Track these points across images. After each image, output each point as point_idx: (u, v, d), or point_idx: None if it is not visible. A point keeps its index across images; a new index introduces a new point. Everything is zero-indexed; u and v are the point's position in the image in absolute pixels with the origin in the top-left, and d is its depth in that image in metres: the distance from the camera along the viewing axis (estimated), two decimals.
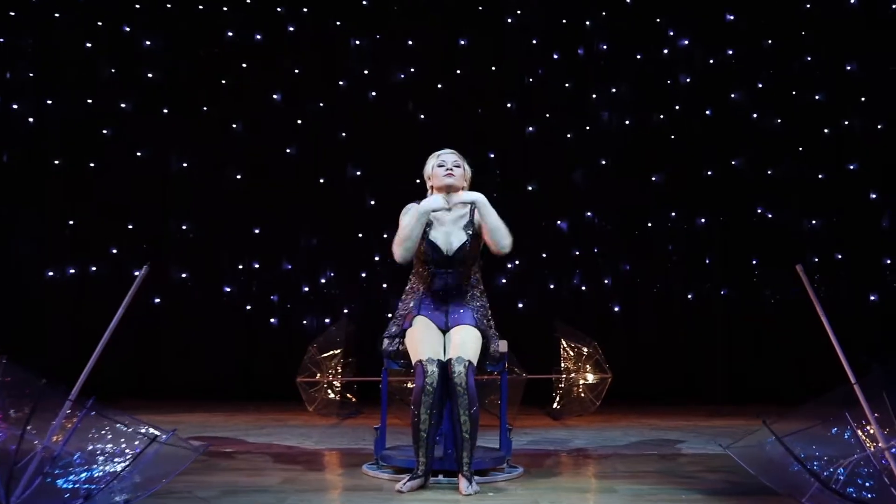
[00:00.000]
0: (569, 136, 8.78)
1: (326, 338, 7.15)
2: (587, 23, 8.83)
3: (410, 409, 3.99)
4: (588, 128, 8.81)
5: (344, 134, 8.67)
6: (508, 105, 8.78)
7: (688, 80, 8.81)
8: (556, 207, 8.72)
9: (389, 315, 7.75)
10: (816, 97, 8.72)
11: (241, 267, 8.62)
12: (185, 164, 8.60)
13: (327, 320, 8.36)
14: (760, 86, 8.78)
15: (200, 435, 5.81)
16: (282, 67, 8.70)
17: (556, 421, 6.94)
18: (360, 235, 8.63)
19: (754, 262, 8.73)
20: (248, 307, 8.62)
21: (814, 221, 8.68)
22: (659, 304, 8.75)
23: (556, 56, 8.85)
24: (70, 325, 8.20)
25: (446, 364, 4.01)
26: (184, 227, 8.59)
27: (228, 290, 8.61)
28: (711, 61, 8.81)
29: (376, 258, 8.58)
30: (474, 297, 4.43)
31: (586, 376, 7.06)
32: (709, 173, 8.73)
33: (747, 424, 6.50)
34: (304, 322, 8.56)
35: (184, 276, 8.55)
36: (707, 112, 8.78)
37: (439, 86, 8.75)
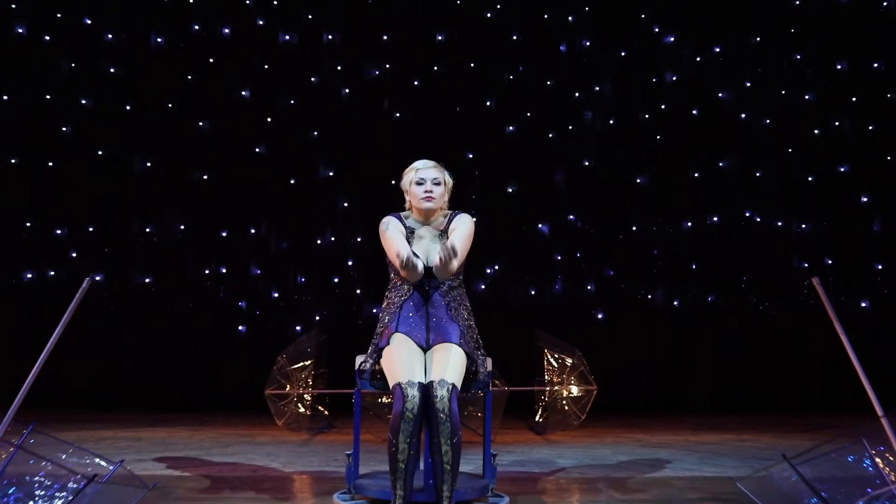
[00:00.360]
0: (550, 135, 8.48)
1: (296, 348, 6.78)
2: (570, 18, 8.53)
3: (387, 436, 3.60)
4: (570, 127, 8.53)
5: (316, 133, 8.36)
6: (488, 103, 8.47)
7: (674, 78, 8.56)
8: (536, 210, 8.43)
9: (361, 322, 8.14)
10: (806, 97, 8.54)
11: (207, 272, 8.31)
12: (148, 164, 8.27)
13: (298, 327, 8.11)
14: (748, 85, 8.56)
15: (161, 455, 5.43)
16: (251, 63, 8.36)
17: (540, 436, 6.60)
18: (333, 239, 8.33)
19: (742, 268, 8.52)
20: (215, 314, 8.31)
21: (803, 225, 8.51)
22: (643, 311, 8.51)
23: (537, 53, 8.55)
24: (25, 334, 7.86)
25: (427, 387, 3.62)
26: (147, 230, 8.26)
27: (194, 295, 8.30)
28: (698, 59, 8.56)
29: (349, 262, 8.31)
30: (459, 314, 4.04)
31: (571, 389, 6.71)
32: (695, 175, 8.51)
33: (737, 440, 6.28)
34: (274, 330, 8.25)
35: (147, 280, 8.24)
36: (693, 112, 8.55)
37: (416, 83, 8.44)
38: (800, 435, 6.61)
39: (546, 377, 6.72)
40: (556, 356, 6.76)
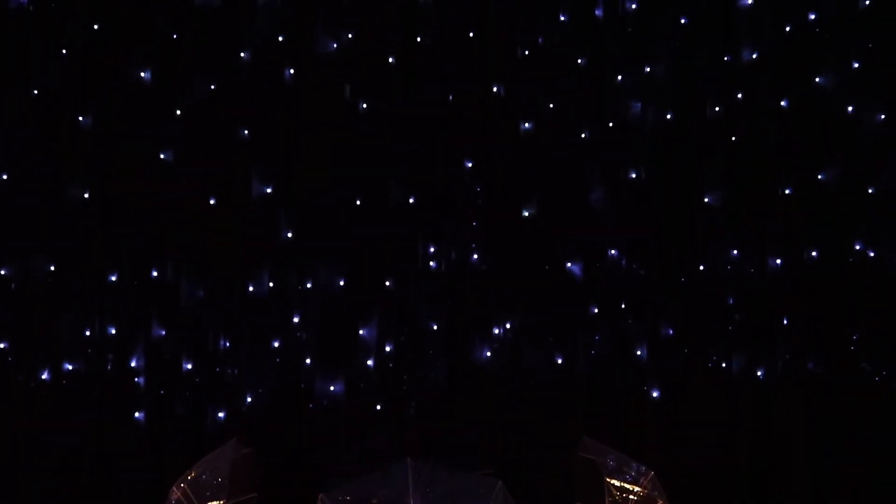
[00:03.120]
0: (583, 136, 7.22)
1: (202, 473, 4.78)
2: None
3: None
4: (611, 124, 7.28)
5: (247, 132, 7.02)
6: (494, 89, 7.21)
7: (754, 55, 7.27)
8: (565, 242, 7.17)
9: (314, 406, 6.79)
10: None
11: (88, 333, 6.89)
12: (4, 177, 6.84)
13: (221, 414, 6.90)
14: (856, 66, 7.17)
15: None
16: (154, 30, 7.02)
17: None
18: (272, 284, 6.99)
19: (852, 323, 7.08)
20: (100, 394, 6.86)
21: None
22: (716, 385, 7.11)
23: (563, 18, 7.32)
24: None
25: None
26: (1, 273, 6.83)
27: (70, 367, 6.84)
28: (787, 29, 7.23)
29: (296, 319, 6.96)
30: None
31: None
32: (786, 192, 7.21)
33: None
34: (185, 417, 6.88)
35: (1, 346, 6.77)
36: (782, 103, 7.24)
37: (390, 60, 7.14)
38: None
39: None
40: (616, 484, 4.72)
